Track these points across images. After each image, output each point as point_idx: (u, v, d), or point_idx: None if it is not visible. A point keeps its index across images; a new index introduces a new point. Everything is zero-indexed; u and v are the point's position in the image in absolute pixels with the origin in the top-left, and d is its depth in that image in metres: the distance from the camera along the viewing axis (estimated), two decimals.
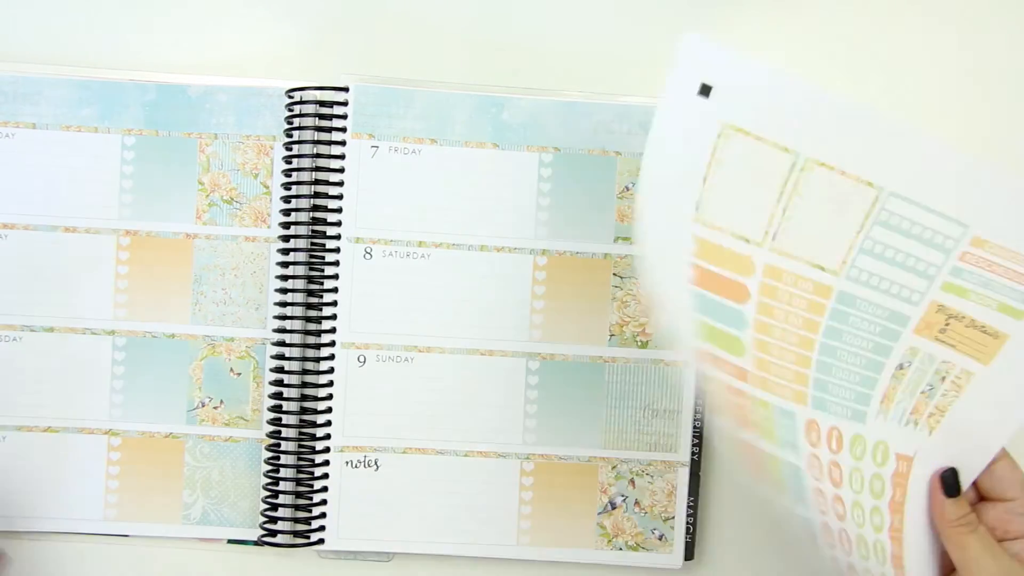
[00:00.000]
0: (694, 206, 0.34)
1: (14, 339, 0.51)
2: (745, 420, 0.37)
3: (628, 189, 0.50)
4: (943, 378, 0.40)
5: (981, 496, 0.43)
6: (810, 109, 0.34)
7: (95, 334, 0.51)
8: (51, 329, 0.51)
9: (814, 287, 0.37)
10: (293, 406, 0.50)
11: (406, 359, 0.50)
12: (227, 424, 0.51)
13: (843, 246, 0.37)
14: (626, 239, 0.50)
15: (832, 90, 0.33)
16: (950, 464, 0.42)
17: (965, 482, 0.42)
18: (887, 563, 0.41)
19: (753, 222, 0.35)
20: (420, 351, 0.50)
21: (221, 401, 0.51)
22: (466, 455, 0.50)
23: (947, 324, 0.39)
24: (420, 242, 0.50)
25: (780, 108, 0.34)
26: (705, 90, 0.33)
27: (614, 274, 0.50)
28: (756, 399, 0.37)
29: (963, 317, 0.39)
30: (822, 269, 0.37)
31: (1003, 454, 0.42)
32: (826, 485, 0.40)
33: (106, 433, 0.51)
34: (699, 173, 0.34)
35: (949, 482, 0.41)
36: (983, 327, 0.39)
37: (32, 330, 0.51)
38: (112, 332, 0.51)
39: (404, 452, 0.50)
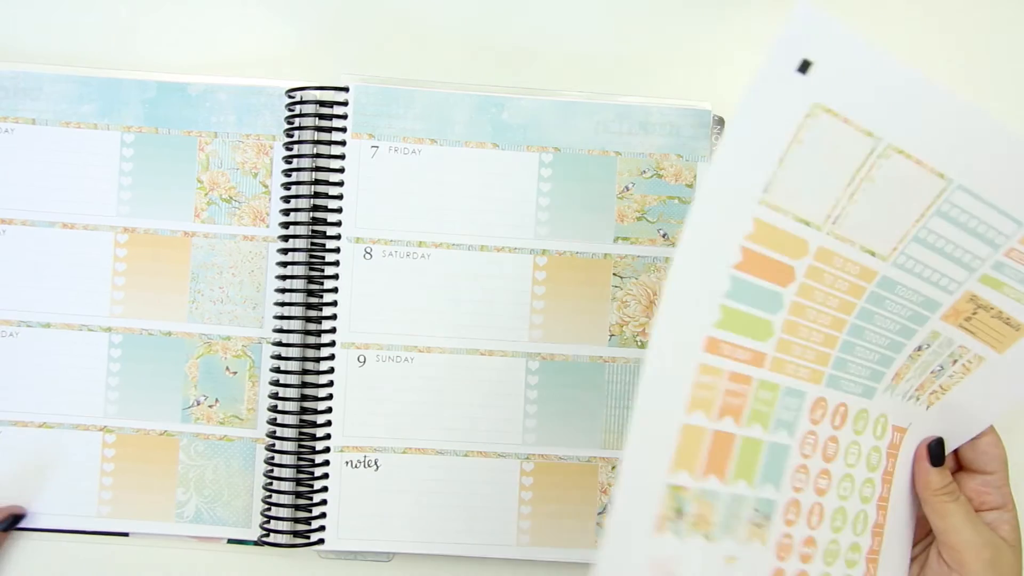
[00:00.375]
0: (763, 187, 0.33)
1: (11, 334, 0.50)
2: (732, 408, 0.35)
3: (628, 189, 0.50)
4: (955, 360, 0.41)
5: (961, 467, 0.44)
6: (903, 94, 0.33)
7: (91, 331, 0.51)
8: (48, 325, 0.50)
9: (860, 271, 0.37)
10: (292, 406, 0.50)
11: (406, 359, 0.50)
12: (222, 423, 0.51)
13: (898, 234, 0.37)
14: (626, 239, 0.50)
15: (928, 76, 0.33)
16: (938, 436, 0.43)
17: (948, 452, 0.44)
18: (865, 532, 0.42)
19: (818, 205, 0.35)
20: (420, 351, 0.50)
21: (216, 400, 0.51)
22: (466, 455, 0.50)
23: (975, 313, 0.40)
24: (420, 242, 0.50)
25: (876, 91, 0.33)
26: (805, 66, 0.31)
27: (614, 274, 0.50)
28: (764, 383, 0.36)
29: (991, 308, 0.40)
30: (872, 254, 0.37)
31: (989, 430, 0.43)
32: (816, 461, 0.40)
33: (101, 430, 0.50)
34: (777, 153, 0.33)
35: (935, 452, 0.43)
36: (1008, 319, 0.40)
37: (29, 325, 0.50)
38: (108, 329, 0.51)
39: (404, 452, 0.50)
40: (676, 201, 0.50)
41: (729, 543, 0.37)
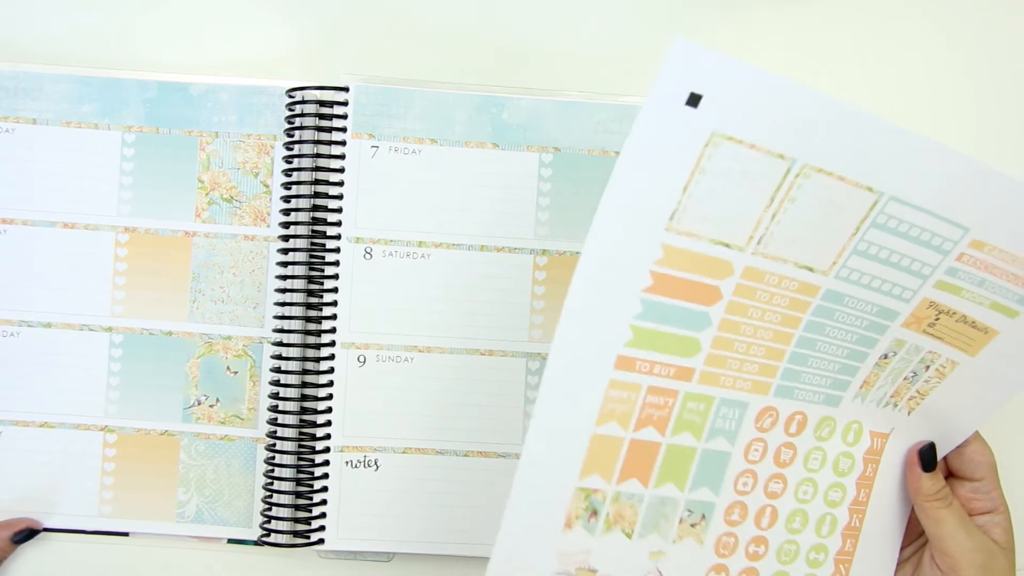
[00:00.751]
0: (668, 215, 0.34)
1: (11, 334, 0.50)
2: (654, 419, 0.37)
3: None
4: (927, 366, 0.42)
5: (950, 473, 0.44)
6: (809, 115, 0.33)
7: (92, 330, 0.51)
8: (48, 325, 0.51)
9: (799, 286, 0.38)
10: (292, 406, 0.50)
11: (406, 359, 0.50)
12: (223, 423, 0.51)
13: (835, 248, 0.37)
14: None
15: (831, 95, 0.33)
16: (930, 441, 0.43)
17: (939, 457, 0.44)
18: (834, 535, 0.44)
19: (736, 228, 0.35)
20: (420, 351, 0.50)
21: (217, 399, 0.51)
22: (466, 455, 0.50)
23: (937, 319, 0.40)
24: (420, 242, 0.50)
25: (776, 115, 0.33)
26: (694, 100, 0.32)
27: None
28: (692, 395, 0.38)
29: (954, 313, 0.40)
30: (810, 270, 0.37)
31: (975, 437, 0.44)
32: (765, 466, 0.41)
33: (102, 430, 0.51)
34: (679, 182, 0.33)
35: (927, 457, 0.43)
36: (973, 322, 0.40)
37: (29, 325, 0.50)
38: (109, 329, 0.51)
39: (404, 452, 0.50)
40: None
41: (655, 539, 0.39)
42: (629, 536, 0.38)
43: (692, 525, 0.40)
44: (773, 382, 0.40)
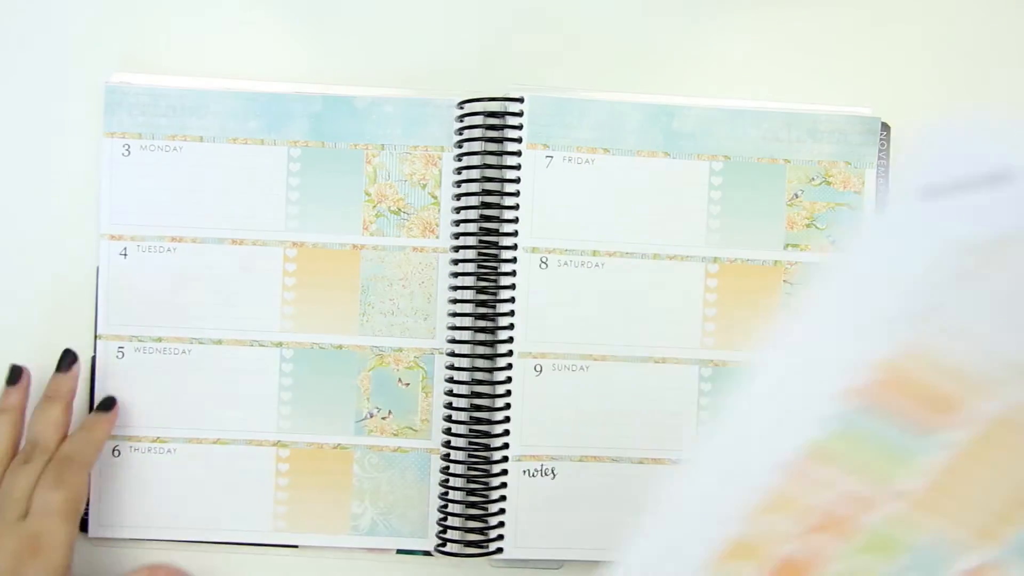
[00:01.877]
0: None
1: (183, 352, 0.50)
2: (842, 530, 0.25)
3: (797, 196, 0.51)
4: None
5: None
6: None
7: (263, 346, 0.51)
8: (219, 342, 0.51)
9: None
10: (468, 416, 0.50)
11: (581, 367, 0.50)
12: (396, 435, 0.51)
13: None
14: (796, 246, 0.51)
15: None
16: None
17: None
18: None
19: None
20: (595, 359, 0.50)
21: (389, 412, 0.51)
22: (640, 462, 0.50)
23: None
24: (594, 251, 0.50)
25: None
26: (935, 192, 0.24)
27: (785, 281, 0.51)
28: (895, 524, 0.26)
29: None
30: None
31: None
32: None
33: (274, 445, 0.51)
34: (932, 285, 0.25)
35: None
36: None
37: (200, 343, 0.50)
38: (280, 344, 0.51)
39: (580, 460, 0.50)
40: (845, 208, 0.51)
41: None
42: None
43: None
44: (1013, 533, 0.27)
